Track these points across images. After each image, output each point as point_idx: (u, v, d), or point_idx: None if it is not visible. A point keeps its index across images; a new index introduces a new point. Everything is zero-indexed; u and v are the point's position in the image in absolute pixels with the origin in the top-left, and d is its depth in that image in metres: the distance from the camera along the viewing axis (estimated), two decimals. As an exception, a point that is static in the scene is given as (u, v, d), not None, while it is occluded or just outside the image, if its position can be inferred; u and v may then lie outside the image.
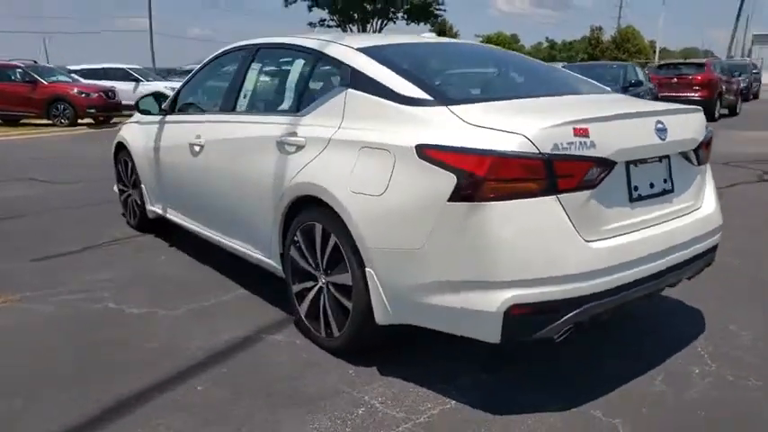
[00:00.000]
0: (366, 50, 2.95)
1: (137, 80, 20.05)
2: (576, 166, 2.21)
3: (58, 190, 7.22)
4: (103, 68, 20.60)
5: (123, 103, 18.06)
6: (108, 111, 17.37)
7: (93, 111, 16.80)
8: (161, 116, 4.45)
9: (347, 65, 2.89)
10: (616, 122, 2.36)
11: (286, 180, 2.95)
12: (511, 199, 2.15)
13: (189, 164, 3.91)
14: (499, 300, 2.17)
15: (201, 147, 3.75)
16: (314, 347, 2.96)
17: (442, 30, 32.75)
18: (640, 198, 2.48)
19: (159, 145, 4.40)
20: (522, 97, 2.69)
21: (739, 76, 20.36)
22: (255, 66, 3.62)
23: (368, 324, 2.65)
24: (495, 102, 2.56)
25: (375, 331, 2.67)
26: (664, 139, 2.50)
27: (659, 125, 2.49)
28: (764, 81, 27.76)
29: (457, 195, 2.20)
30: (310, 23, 24.32)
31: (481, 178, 2.15)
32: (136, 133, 4.86)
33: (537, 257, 2.17)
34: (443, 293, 2.32)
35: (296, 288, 3.07)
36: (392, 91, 2.61)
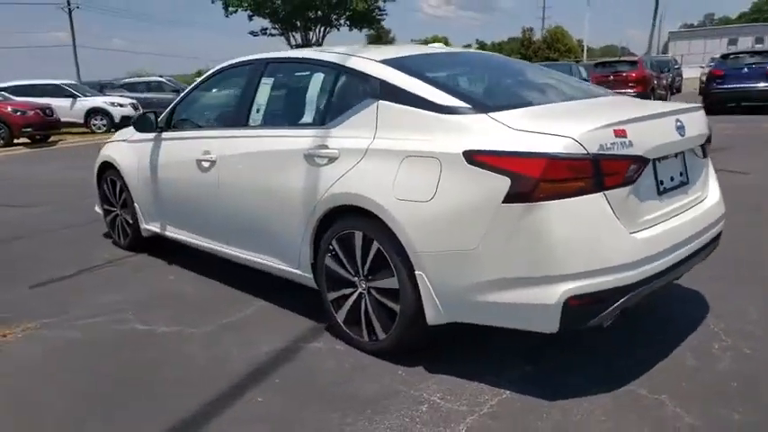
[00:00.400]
0: (390, 62, 3.06)
1: (72, 96, 19.32)
2: (619, 164, 2.40)
3: (23, 214, 6.94)
4: (35, 85, 19.66)
5: (62, 120, 17.43)
6: (46, 129, 16.67)
7: (29, 129, 16.09)
8: (156, 133, 4.40)
9: (375, 77, 2.99)
10: (647, 123, 2.58)
11: (320, 191, 3.02)
12: (564, 198, 2.32)
13: (197, 180, 3.90)
14: (558, 292, 2.33)
15: (212, 162, 3.76)
16: (356, 352, 3.04)
17: (379, 36, 33.17)
18: (665, 191, 2.70)
19: (157, 162, 4.35)
20: (549, 102, 2.88)
21: (668, 71, 21.56)
22: (267, 80, 3.66)
23: (416, 325, 2.77)
24: (530, 107, 2.73)
25: (424, 332, 2.79)
26: (683, 136, 2.74)
27: (678, 123, 2.73)
28: (685, 75, 29.48)
29: (512, 197, 2.35)
30: (252, 32, 24.17)
31: (536, 180, 2.30)
32: (126, 152, 4.78)
33: (590, 251, 2.35)
34: (498, 290, 2.46)
35: (332, 296, 3.14)
36: (427, 100, 2.74)
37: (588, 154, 2.32)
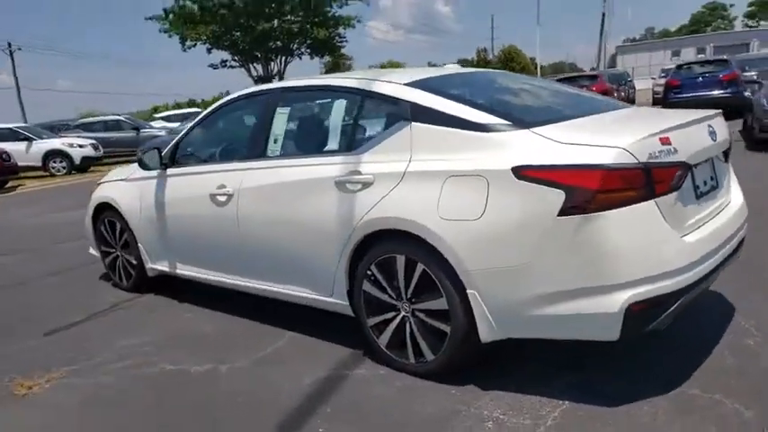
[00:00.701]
0: (416, 84, 3.10)
1: (28, 139, 18.75)
2: (667, 171, 2.48)
3: (10, 262, 6.67)
4: (-13, 130, 19.00)
5: (19, 164, 16.84)
6: (4, 175, 16.11)
7: (-14, 176, 15.54)
8: (159, 170, 4.32)
9: (405, 100, 3.01)
10: (685, 130, 2.67)
11: (356, 218, 3.01)
12: (619, 207, 2.37)
13: (211, 215, 3.84)
14: (620, 300, 2.37)
15: (229, 196, 3.70)
16: (401, 375, 3.01)
17: (337, 63, 33.45)
18: (702, 195, 2.80)
19: (164, 200, 4.26)
20: (582, 116, 2.94)
21: (624, 84, 22.35)
22: (283, 109, 3.64)
23: (467, 344, 2.77)
24: (567, 121, 2.79)
25: (475, 350, 2.80)
26: (714, 141, 2.85)
27: (710, 129, 2.85)
28: (638, 87, 30.58)
29: (568, 210, 2.39)
30: (212, 65, 23.85)
31: (593, 191, 2.35)
32: (127, 191, 4.67)
33: (648, 257, 2.41)
34: (556, 303, 2.48)
35: (371, 321, 3.12)
36: (465, 120, 2.78)
37: (639, 163, 2.39)
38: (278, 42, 21.98)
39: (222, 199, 3.76)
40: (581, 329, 2.52)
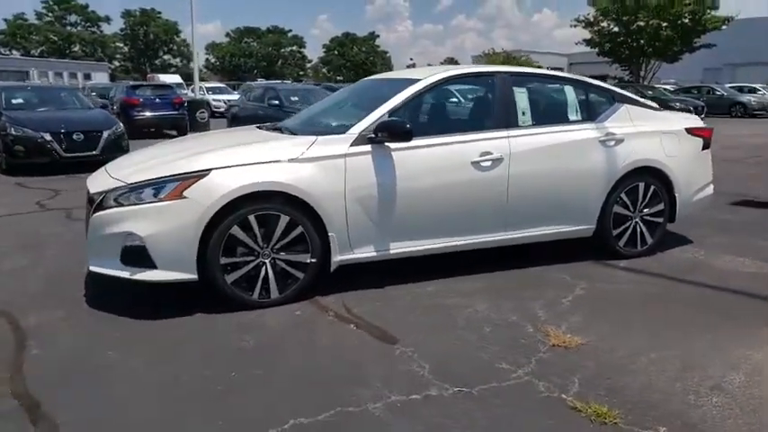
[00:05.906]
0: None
1: None
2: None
3: None
4: None
5: None
6: None
7: None
8: (373, 145, 3.93)
9: (614, 91, 4.92)
10: None
11: (620, 162, 4.67)
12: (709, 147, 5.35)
13: (474, 180, 4.17)
14: (712, 186, 5.35)
15: (496, 160, 4.21)
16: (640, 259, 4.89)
17: None
18: None
19: (395, 175, 3.94)
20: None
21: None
22: (519, 89, 4.44)
23: (665, 227, 5.06)
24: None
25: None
26: None
27: None
28: None
29: (703, 147, 5.18)
30: None
31: (708, 138, 5.23)
32: (314, 172, 3.76)
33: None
34: (698, 192, 5.20)
35: (615, 231, 4.82)
36: (650, 105, 5.08)
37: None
38: None
39: (487, 164, 4.21)
40: (703, 203, 5.32)
